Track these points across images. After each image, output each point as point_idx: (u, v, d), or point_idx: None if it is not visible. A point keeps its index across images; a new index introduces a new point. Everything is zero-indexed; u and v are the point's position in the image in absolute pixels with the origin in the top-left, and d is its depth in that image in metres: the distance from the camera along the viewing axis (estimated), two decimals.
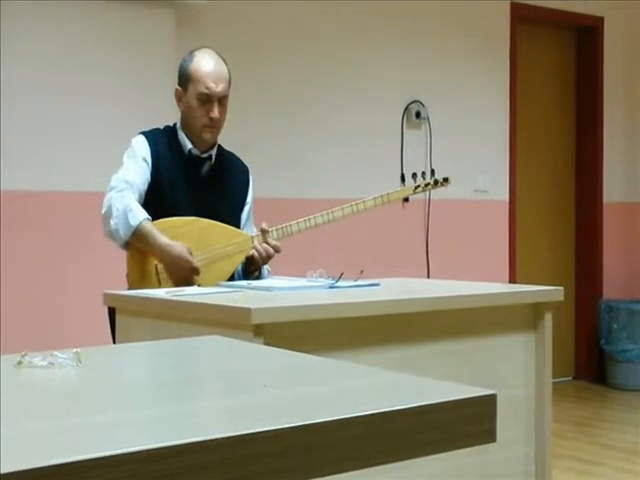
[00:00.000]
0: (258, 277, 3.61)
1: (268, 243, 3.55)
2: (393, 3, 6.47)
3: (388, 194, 3.66)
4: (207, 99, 3.54)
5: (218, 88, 3.54)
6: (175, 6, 5.42)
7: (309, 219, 3.58)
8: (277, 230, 3.57)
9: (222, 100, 3.57)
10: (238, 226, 3.69)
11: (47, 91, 5.05)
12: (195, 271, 3.33)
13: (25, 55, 4.99)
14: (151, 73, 5.21)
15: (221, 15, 5.70)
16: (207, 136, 3.57)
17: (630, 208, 7.88)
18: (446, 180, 3.78)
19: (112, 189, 3.42)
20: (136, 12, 5.29)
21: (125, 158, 3.53)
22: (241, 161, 3.81)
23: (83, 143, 5.11)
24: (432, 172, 3.74)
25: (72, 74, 5.12)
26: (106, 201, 3.42)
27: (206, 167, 3.61)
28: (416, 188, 3.74)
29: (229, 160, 3.74)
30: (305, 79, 6.14)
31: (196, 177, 3.58)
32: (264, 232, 3.56)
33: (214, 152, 3.64)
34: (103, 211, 3.43)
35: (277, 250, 3.56)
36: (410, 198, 6.40)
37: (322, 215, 3.59)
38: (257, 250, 3.53)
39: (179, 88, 3.62)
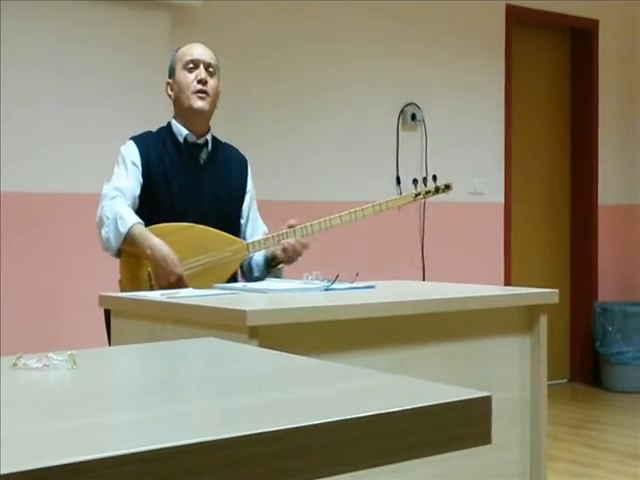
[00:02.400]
0: (277, 274, 3.63)
1: (298, 241, 3.53)
2: (388, 5, 6.48)
3: (387, 202, 3.58)
4: (194, 65, 3.58)
5: (203, 56, 3.61)
6: (171, 8, 5.42)
7: (305, 227, 3.55)
8: (273, 237, 3.55)
9: (209, 69, 3.60)
10: (238, 216, 3.70)
11: (45, 93, 5.05)
12: (180, 279, 3.32)
13: (23, 57, 4.99)
14: (147, 75, 5.21)
15: (217, 17, 5.70)
16: (199, 104, 3.56)
17: (625, 210, 7.89)
18: (448, 187, 3.66)
19: (104, 198, 3.43)
20: (132, 14, 5.29)
21: (115, 167, 3.54)
22: (238, 152, 3.81)
23: (81, 145, 5.11)
24: (434, 178, 3.65)
25: (69, 76, 5.12)
26: (98, 211, 3.43)
27: (204, 154, 3.62)
28: (416, 196, 3.63)
29: (225, 150, 3.74)
30: (300, 81, 6.15)
31: (195, 166, 3.59)
32: (291, 227, 3.54)
33: (209, 137, 3.65)
34: (96, 221, 3.43)
35: (304, 247, 3.55)
36: None
37: (319, 223, 3.54)
38: (288, 245, 3.51)
39: (169, 80, 3.67)
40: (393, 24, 6.53)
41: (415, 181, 3.68)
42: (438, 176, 3.70)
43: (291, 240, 3.51)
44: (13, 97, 4.94)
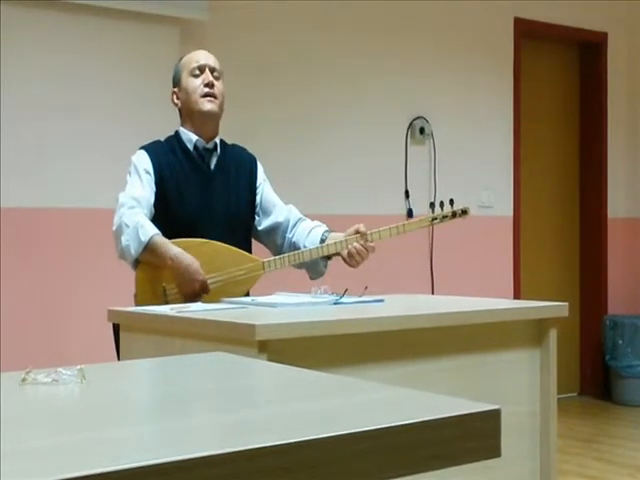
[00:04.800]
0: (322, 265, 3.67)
1: (364, 246, 3.51)
2: (397, 19, 6.49)
3: (404, 225, 3.54)
4: (200, 71, 3.62)
5: (208, 60, 3.65)
6: (178, 22, 5.44)
7: (321, 248, 3.54)
8: (289, 257, 3.53)
9: (215, 73, 3.63)
10: (251, 219, 3.70)
11: (49, 108, 5.07)
12: (204, 285, 3.32)
13: (27, 72, 5.01)
14: (155, 90, 5.22)
15: (224, 32, 5.71)
16: (208, 106, 3.58)
17: (634, 223, 7.88)
18: (465, 212, 3.63)
19: (122, 206, 3.41)
20: (139, 28, 5.31)
21: (128, 176, 3.55)
22: (246, 150, 3.82)
23: (85, 160, 5.12)
24: (451, 202, 3.62)
25: (75, 91, 5.14)
26: (116, 219, 3.41)
27: (214, 160, 3.63)
28: (433, 220, 3.61)
29: (234, 152, 3.75)
30: (308, 95, 6.16)
31: (206, 172, 3.60)
32: (362, 236, 3.53)
33: (218, 141, 3.66)
34: (114, 229, 3.41)
35: (370, 251, 3.53)
36: (414, 213, 6.41)
37: (336, 243, 3.53)
38: (354, 251, 3.50)
39: (174, 89, 3.69)
40: (401, 38, 6.54)
41: (432, 205, 3.65)
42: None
43: (357, 244, 3.50)
44: (16, 110, 4.95)
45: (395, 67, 6.52)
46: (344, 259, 3.54)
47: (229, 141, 3.78)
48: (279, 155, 5.94)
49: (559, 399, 3.24)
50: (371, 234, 3.52)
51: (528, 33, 7.27)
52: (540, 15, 7.26)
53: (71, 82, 5.13)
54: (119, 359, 3.14)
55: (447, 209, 3.60)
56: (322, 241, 3.60)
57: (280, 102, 6.02)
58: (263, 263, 3.49)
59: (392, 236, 3.55)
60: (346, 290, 3.20)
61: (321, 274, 3.69)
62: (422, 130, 6.59)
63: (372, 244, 3.51)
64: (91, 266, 5.04)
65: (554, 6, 7.30)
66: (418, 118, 6.61)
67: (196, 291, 3.31)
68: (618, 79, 7.78)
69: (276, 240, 3.74)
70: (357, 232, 3.51)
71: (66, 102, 5.11)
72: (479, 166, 6.90)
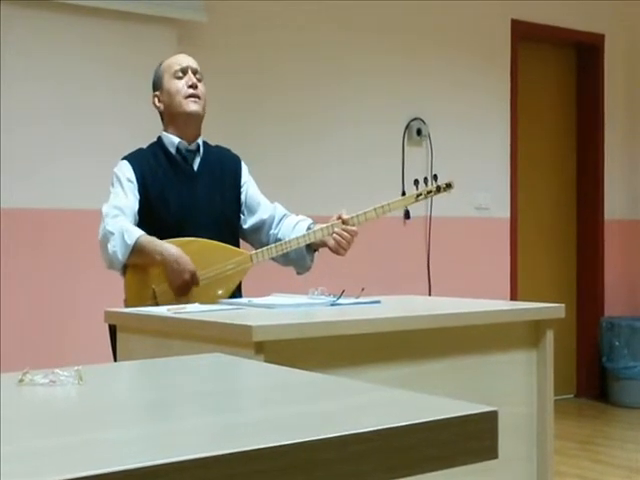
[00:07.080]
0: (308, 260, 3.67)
1: (347, 230, 3.52)
2: (394, 21, 6.49)
3: (389, 204, 3.52)
4: (182, 72, 3.64)
5: (190, 63, 3.68)
6: (176, 24, 5.43)
7: (307, 235, 3.55)
8: (276, 247, 3.54)
9: (197, 75, 3.66)
10: (237, 218, 3.71)
11: (48, 109, 5.06)
12: (194, 276, 3.33)
13: (26, 73, 5.00)
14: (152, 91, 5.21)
15: (222, 33, 5.71)
16: (193, 107, 3.60)
17: (631, 225, 7.88)
18: (449, 186, 3.61)
19: (105, 216, 3.44)
20: (137, 30, 5.31)
21: (111, 187, 3.56)
22: (229, 151, 3.83)
23: (84, 161, 5.12)
24: (435, 177, 3.63)
25: (73, 92, 5.13)
26: (101, 229, 3.44)
27: (197, 161, 3.63)
28: (418, 196, 3.60)
29: (218, 153, 3.76)
30: (305, 97, 6.16)
31: (189, 174, 3.61)
32: (344, 221, 3.53)
33: (200, 142, 3.66)
34: (99, 238, 3.43)
35: (353, 234, 3.54)
36: (411, 215, 6.41)
37: (322, 229, 3.55)
38: (338, 238, 3.51)
39: (155, 93, 3.71)
40: (398, 39, 6.54)
41: (416, 182, 3.66)
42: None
43: (338, 229, 3.51)
44: (16, 113, 4.94)
45: (392, 68, 6.52)
46: (330, 248, 3.56)
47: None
48: (276, 156, 5.95)
49: (556, 400, 3.24)
50: (357, 216, 3.54)
51: (525, 35, 7.27)
52: (537, 17, 7.26)
53: (70, 83, 5.13)
54: (115, 360, 3.14)
55: (431, 185, 3.61)
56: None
57: (276, 103, 6.02)
58: (251, 255, 3.51)
59: (379, 216, 3.55)
60: (343, 291, 3.20)
61: (308, 268, 3.70)
62: (419, 131, 6.60)
63: (354, 228, 3.53)
64: (90, 267, 5.02)
65: (551, 8, 7.31)
66: (415, 119, 6.61)
67: (187, 282, 3.32)
68: (615, 81, 7.79)
69: (261, 238, 3.75)
70: (339, 218, 3.53)
71: (66, 103, 5.11)
72: (476, 168, 6.90)
